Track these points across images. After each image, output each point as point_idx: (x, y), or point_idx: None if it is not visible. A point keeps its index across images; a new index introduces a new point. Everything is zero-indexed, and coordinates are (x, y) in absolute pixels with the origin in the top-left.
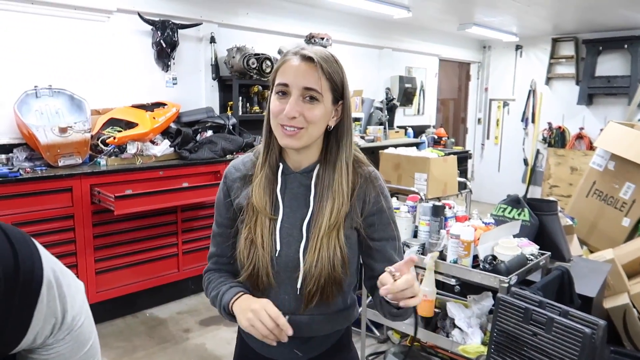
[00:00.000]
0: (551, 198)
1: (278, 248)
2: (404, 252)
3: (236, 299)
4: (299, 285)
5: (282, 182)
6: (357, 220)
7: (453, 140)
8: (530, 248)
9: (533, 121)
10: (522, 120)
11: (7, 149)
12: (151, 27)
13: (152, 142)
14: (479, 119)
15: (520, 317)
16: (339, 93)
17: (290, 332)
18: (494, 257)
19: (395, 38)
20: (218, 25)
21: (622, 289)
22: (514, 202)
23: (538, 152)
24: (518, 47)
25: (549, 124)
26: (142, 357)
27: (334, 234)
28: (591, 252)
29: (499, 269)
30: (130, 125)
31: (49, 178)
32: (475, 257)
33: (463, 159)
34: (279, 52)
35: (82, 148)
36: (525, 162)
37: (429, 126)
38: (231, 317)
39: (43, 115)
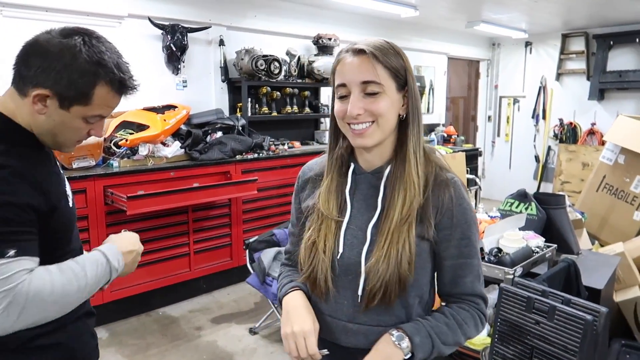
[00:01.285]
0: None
1: (340, 251)
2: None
3: (288, 293)
4: (360, 291)
5: (352, 183)
6: (428, 228)
7: (463, 138)
8: (536, 240)
9: (544, 117)
10: (532, 117)
11: None
12: (161, 31)
13: (164, 143)
14: (489, 117)
15: (523, 306)
16: (402, 79)
17: None
18: (499, 250)
19: (403, 37)
20: (227, 28)
21: (633, 283)
22: (521, 196)
23: (549, 148)
24: (527, 43)
25: (560, 120)
26: (155, 354)
27: (404, 228)
28: (602, 246)
29: (503, 261)
30: (141, 127)
31: None
32: (481, 249)
33: (473, 156)
34: (287, 53)
35: (95, 150)
36: (537, 158)
37: (438, 124)
38: None
39: None
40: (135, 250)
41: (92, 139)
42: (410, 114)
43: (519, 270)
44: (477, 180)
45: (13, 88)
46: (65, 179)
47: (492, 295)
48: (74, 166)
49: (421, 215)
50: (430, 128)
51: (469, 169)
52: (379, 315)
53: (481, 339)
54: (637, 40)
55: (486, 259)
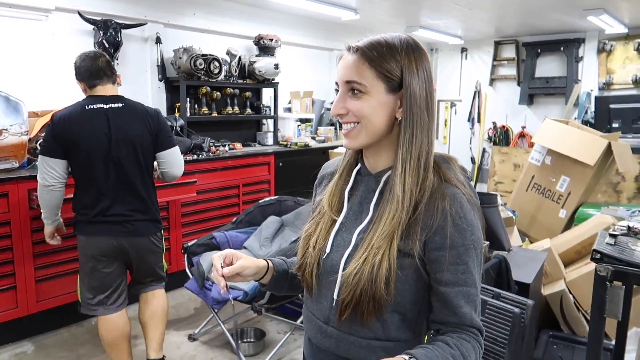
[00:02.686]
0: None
1: (327, 251)
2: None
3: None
4: (335, 295)
5: (354, 183)
6: (413, 245)
7: None
8: None
9: (479, 121)
10: (468, 120)
11: None
12: (93, 26)
13: None
14: None
15: None
16: (396, 80)
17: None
18: None
19: (345, 40)
20: (164, 25)
21: (559, 276)
22: None
23: (484, 150)
24: (463, 49)
25: (494, 123)
26: None
27: (385, 243)
28: (532, 243)
29: None
30: None
31: None
32: None
33: None
34: (228, 53)
35: (18, 151)
36: (473, 160)
37: None
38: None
39: None
40: None
41: (15, 139)
42: (403, 118)
43: None
44: None
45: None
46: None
47: None
48: None
49: (407, 231)
50: None
51: None
52: (352, 323)
53: None
54: (562, 48)
55: None
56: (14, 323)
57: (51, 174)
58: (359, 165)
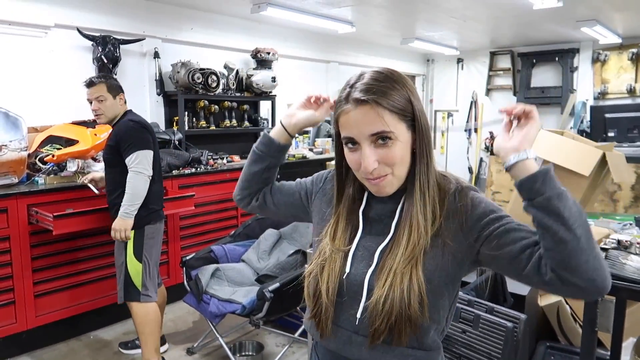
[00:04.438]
0: None
1: (347, 270)
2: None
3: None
4: (358, 315)
5: (367, 203)
6: (444, 249)
7: None
8: None
9: (476, 131)
10: (465, 130)
11: None
12: (91, 42)
13: (94, 159)
14: None
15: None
16: (410, 115)
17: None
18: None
19: (342, 52)
20: (162, 40)
21: None
22: None
23: (481, 160)
24: (459, 60)
25: (491, 133)
26: None
27: (409, 267)
28: None
29: None
30: (70, 142)
31: None
32: None
33: None
34: (225, 66)
35: (18, 167)
36: (470, 170)
37: None
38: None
39: None
40: None
41: (15, 155)
42: (418, 149)
43: None
44: None
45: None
46: None
47: None
48: None
49: (432, 243)
50: None
51: None
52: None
53: None
54: (557, 58)
55: None
56: (13, 338)
57: (150, 165)
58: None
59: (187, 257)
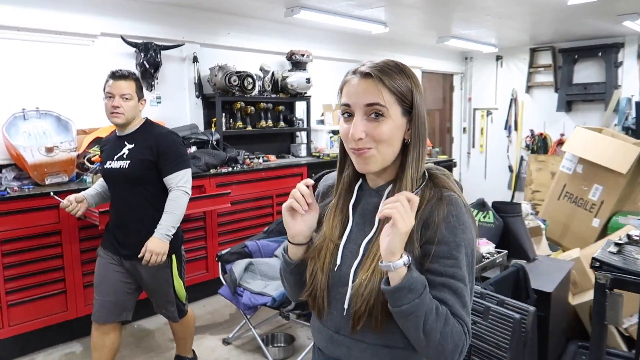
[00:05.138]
0: (522, 202)
1: (338, 263)
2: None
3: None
4: (346, 304)
5: (357, 198)
6: (414, 247)
7: (438, 149)
8: (487, 247)
9: (516, 129)
10: (505, 128)
11: None
12: (134, 49)
13: None
14: (464, 128)
15: None
16: (408, 104)
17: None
18: None
19: (376, 52)
20: (200, 45)
21: (589, 286)
22: (480, 205)
23: (522, 158)
24: (498, 57)
25: (531, 131)
26: None
27: None
28: (565, 252)
29: None
30: None
31: (36, 196)
32: None
33: (448, 167)
34: (261, 69)
35: (68, 167)
36: (510, 168)
37: None
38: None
39: (30, 137)
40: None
41: (65, 156)
42: (412, 140)
43: None
44: None
45: None
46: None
47: None
48: (47, 182)
49: (410, 236)
50: None
51: None
52: (364, 331)
53: None
54: (600, 54)
55: None
56: (64, 325)
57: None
58: (360, 181)
59: (223, 252)
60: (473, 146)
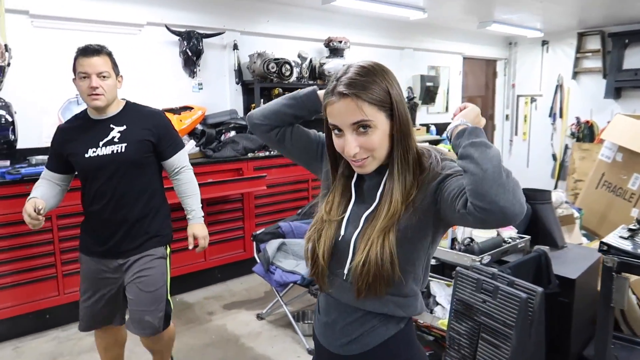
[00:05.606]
0: (556, 190)
1: (342, 234)
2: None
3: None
4: (345, 271)
5: (358, 177)
6: (413, 212)
7: None
8: (509, 232)
9: (561, 116)
10: (550, 116)
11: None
12: (178, 37)
13: None
14: (507, 115)
15: (473, 287)
16: (389, 105)
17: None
18: (471, 239)
19: (416, 38)
20: (240, 33)
21: None
22: None
23: (566, 147)
24: (544, 42)
25: (577, 118)
26: None
27: (383, 235)
28: None
29: (472, 250)
30: None
31: None
32: (454, 239)
33: None
34: (299, 56)
35: None
36: (554, 157)
37: None
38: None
39: None
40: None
41: None
42: (396, 135)
43: (486, 258)
44: None
45: None
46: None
47: None
48: None
49: (406, 208)
50: (445, 127)
51: None
52: (366, 299)
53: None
54: None
55: (457, 247)
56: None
57: None
58: (355, 177)
59: (257, 232)
60: (516, 134)
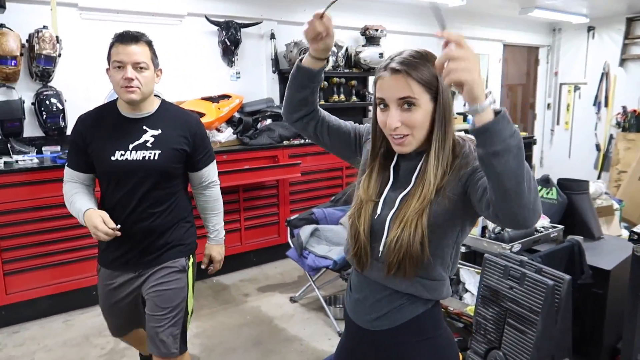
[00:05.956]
0: (595, 181)
1: (378, 212)
2: None
3: None
4: (380, 249)
5: (396, 161)
6: (443, 199)
7: (517, 126)
8: (541, 221)
9: (606, 105)
10: (594, 105)
11: None
12: (217, 27)
13: (218, 129)
14: (549, 104)
15: (501, 273)
16: (435, 89)
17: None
18: (502, 228)
19: (455, 25)
20: (277, 22)
21: None
22: (543, 181)
23: (611, 137)
24: (590, 28)
25: (624, 107)
26: (207, 314)
27: (416, 217)
28: None
29: (502, 238)
30: (199, 115)
31: None
32: (485, 227)
33: (527, 145)
34: (335, 44)
35: None
36: (598, 147)
37: None
38: None
39: None
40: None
41: None
42: (436, 120)
43: (516, 246)
44: None
45: None
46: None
47: None
48: None
49: (437, 193)
50: None
51: None
52: (395, 277)
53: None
54: None
55: (487, 235)
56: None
57: None
58: (395, 159)
59: (291, 218)
60: (557, 123)
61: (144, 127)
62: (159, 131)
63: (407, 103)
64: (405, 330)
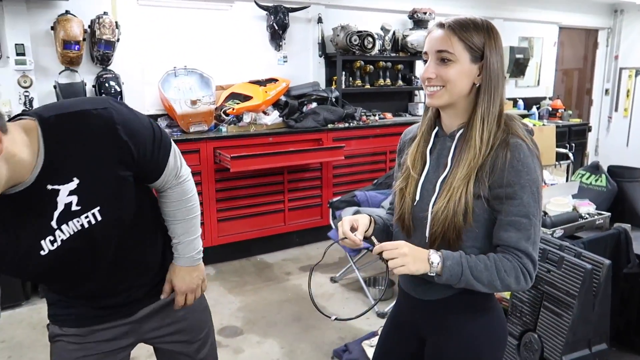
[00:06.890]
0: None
1: (417, 199)
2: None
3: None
4: (427, 233)
5: (433, 144)
6: (482, 187)
7: (571, 112)
8: (587, 208)
9: None
10: None
11: (154, 118)
12: (265, 12)
13: (264, 112)
14: (607, 90)
15: (539, 256)
16: (479, 53)
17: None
18: (545, 213)
19: (507, 7)
20: (325, 6)
21: None
22: (593, 168)
23: None
24: None
25: None
26: (250, 289)
27: (463, 184)
28: None
29: (544, 222)
30: (246, 98)
31: (182, 141)
32: None
33: (580, 132)
34: (382, 28)
35: (208, 117)
36: None
37: (544, 98)
38: None
39: (179, 91)
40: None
41: (206, 108)
42: (483, 84)
43: (558, 232)
44: (570, 155)
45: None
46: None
47: None
48: (191, 130)
49: (477, 175)
50: (535, 101)
51: (574, 144)
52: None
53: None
54: None
55: None
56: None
57: None
58: (436, 128)
59: (333, 200)
60: (616, 110)
61: (48, 187)
62: (75, 181)
63: (443, 58)
64: (455, 302)
